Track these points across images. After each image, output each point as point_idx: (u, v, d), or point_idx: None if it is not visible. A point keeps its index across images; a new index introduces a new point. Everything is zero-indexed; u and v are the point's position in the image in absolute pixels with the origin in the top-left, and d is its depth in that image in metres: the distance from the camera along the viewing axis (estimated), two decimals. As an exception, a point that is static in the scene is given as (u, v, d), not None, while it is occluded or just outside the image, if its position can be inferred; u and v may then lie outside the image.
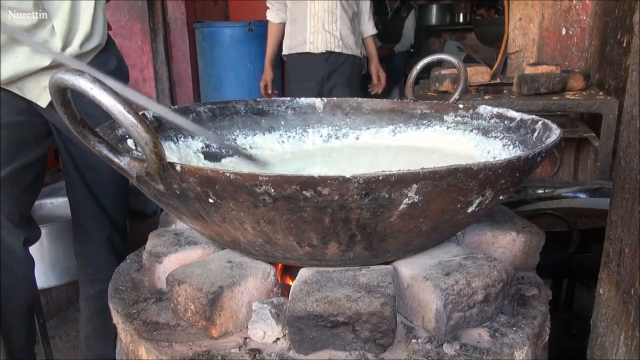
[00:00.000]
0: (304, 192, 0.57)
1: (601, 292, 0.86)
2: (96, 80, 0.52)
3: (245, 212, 0.62)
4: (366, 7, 3.04)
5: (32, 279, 1.37)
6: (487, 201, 0.68)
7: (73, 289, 2.35)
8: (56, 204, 2.55)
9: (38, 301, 1.62)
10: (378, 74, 3.14)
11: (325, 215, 0.61)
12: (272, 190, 0.57)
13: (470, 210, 0.67)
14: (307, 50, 2.86)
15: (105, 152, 0.64)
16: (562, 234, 1.32)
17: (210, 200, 0.62)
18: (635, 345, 0.70)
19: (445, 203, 0.64)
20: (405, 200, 0.60)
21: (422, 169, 0.57)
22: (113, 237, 1.47)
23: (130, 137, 0.88)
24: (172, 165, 0.60)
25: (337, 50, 2.85)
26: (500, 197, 0.71)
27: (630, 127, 0.75)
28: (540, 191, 1.70)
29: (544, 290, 0.85)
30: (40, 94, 1.21)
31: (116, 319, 0.81)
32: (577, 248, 1.29)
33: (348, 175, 0.56)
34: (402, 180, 0.57)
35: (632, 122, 0.75)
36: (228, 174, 0.57)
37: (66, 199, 2.45)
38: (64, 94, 0.57)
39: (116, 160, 0.64)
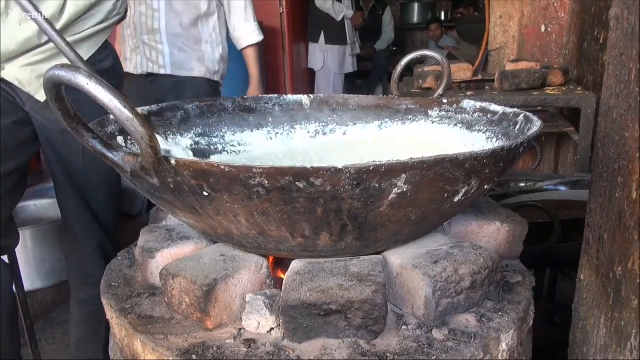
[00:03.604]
0: (297, 183, 0.59)
1: (582, 277, 0.89)
2: (92, 76, 0.53)
3: (240, 205, 0.64)
4: (239, 5, 2.15)
5: (10, 287, 1.35)
6: (472, 190, 0.70)
7: (58, 292, 2.33)
8: (40, 205, 2.52)
9: (25, 303, 1.62)
10: None
11: (318, 205, 0.62)
12: (266, 182, 0.59)
13: (457, 199, 0.70)
14: (127, 70, 2.05)
15: (99, 147, 0.65)
16: (545, 225, 1.36)
17: (205, 194, 0.63)
18: (615, 326, 0.73)
19: (433, 192, 0.66)
20: (395, 190, 0.62)
21: (411, 159, 0.59)
22: (104, 243, 1.46)
23: (119, 135, 0.89)
24: (167, 159, 0.61)
25: (161, 72, 2.05)
26: (486, 187, 0.74)
27: (607, 118, 0.78)
28: (522, 184, 1.74)
29: (528, 278, 0.88)
30: (39, 88, 1.21)
31: (110, 314, 0.82)
32: (559, 238, 1.33)
33: (340, 166, 0.57)
34: (391, 171, 0.59)
35: (608, 113, 0.78)
36: (222, 167, 0.59)
37: (50, 200, 2.43)
38: (59, 90, 0.58)
39: (110, 155, 0.65)
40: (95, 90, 0.53)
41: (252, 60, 2.23)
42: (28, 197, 2.49)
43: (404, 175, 0.61)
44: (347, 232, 0.69)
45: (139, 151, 0.61)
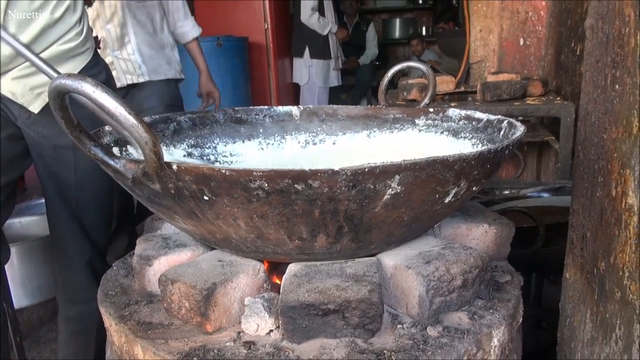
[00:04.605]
0: (295, 185, 0.61)
1: (567, 276, 0.92)
2: (98, 84, 0.55)
3: (239, 208, 0.66)
4: (178, 3, 2.25)
5: (1, 304, 1.34)
6: (462, 192, 0.73)
7: (45, 309, 2.30)
8: (24, 223, 2.50)
9: (14, 320, 1.60)
10: (208, 92, 2.39)
11: (315, 207, 0.65)
12: (266, 185, 0.61)
13: (447, 200, 0.73)
14: None
15: (101, 155, 0.66)
16: (530, 230, 1.40)
17: (205, 198, 0.65)
18: (600, 319, 0.76)
19: (424, 193, 0.69)
20: (389, 191, 0.65)
21: (404, 160, 0.62)
22: (94, 260, 1.45)
23: (114, 146, 0.91)
24: (169, 164, 0.63)
25: (140, 80, 2.11)
26: (474, 188, 0.77)
27: (586, 122, 0.82)
28: (507, 192, 1.79)
29: (516, 277, 0.91)
30: (32, 100, 1.22)
31: (108, 322, 0.82)
32: (543, 242, 1.37)
33: (336, 168, 0.60)
34: (385, 172, 0.62)
35: (587, 118, 0.82)
36: (224, 171, 0.61)
37: (35, 217, 2.41)
38: (63, 99, 0.59)
39: (112, 162, 0.67)
40: (101, 98, 0.55)
41: (198, 53, 2.36)
42: (13, 214, 2.45)
43: (397, 177, 0.63)
44: (343, 233, 0.71)
45: (139, 158, 0.63)
